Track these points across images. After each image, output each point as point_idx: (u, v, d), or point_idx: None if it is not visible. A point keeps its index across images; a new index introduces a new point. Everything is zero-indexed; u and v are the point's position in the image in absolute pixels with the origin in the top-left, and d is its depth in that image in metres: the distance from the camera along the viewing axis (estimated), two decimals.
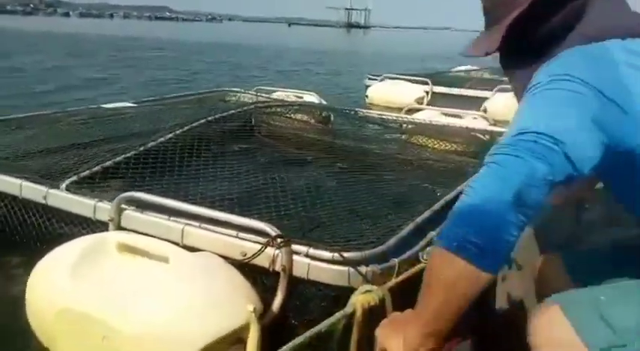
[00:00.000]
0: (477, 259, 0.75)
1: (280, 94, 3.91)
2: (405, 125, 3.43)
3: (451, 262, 0.77)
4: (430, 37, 78.07)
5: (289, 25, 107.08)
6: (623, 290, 0.91)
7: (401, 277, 1.22)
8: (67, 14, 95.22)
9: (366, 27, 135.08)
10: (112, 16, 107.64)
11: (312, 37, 45.20)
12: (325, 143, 3.13)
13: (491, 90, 5.33)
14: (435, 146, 3.23)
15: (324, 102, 4.00)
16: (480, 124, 3.34)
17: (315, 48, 24.95)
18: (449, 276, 0.78)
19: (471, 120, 3.37)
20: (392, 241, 1.33)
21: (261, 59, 16.47)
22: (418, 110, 5.14)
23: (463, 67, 8.85)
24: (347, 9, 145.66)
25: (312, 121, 3.70)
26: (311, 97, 3.84)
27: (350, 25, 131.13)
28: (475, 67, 8.54)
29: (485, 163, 0.81)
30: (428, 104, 5.61)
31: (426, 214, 1.51)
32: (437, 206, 1.56)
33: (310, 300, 1.28)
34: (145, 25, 59.72)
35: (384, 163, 2.43)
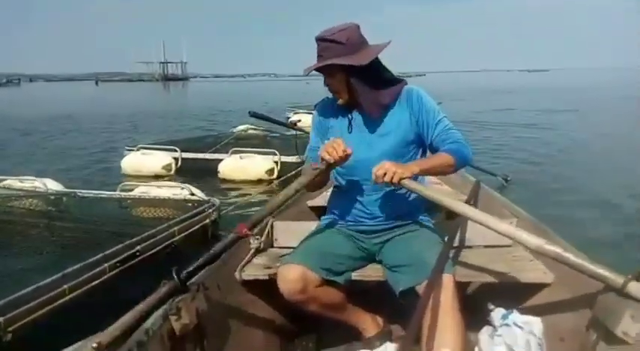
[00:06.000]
0: None
1: (11, 183, 4.31)
2: (124, 201, 4.14)
3: None
4: (251, 85, 78.47)
5: (97, 82, 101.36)
6: None
7: None
8: None
9: (184, 79, 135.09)
10: None
11: (123, 96, 43.11)
12: (42, 228, 3.67)
13: (227, 153, 6.29)
14: (151, 215, 3.99)
15: (59, 186, 4.50)
16: (184, 192, 4.21)
17: (124, 111, 21.83)
18: None
19: (178, 190, 4.21)
20: None
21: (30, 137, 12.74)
22: (168, 176, 5.94)
23: (242, 126, 9.63)
24: (162, 63, 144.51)
25: (44, 205, 4.19)
26: (36, 183, 4.31)
27: (167, 78, 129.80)
28: (253, 126, 9.23)
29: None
30: (177, 170, 6.47)
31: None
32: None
33: None
34: None
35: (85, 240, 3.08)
